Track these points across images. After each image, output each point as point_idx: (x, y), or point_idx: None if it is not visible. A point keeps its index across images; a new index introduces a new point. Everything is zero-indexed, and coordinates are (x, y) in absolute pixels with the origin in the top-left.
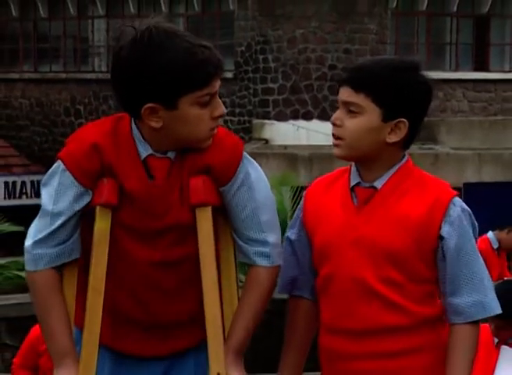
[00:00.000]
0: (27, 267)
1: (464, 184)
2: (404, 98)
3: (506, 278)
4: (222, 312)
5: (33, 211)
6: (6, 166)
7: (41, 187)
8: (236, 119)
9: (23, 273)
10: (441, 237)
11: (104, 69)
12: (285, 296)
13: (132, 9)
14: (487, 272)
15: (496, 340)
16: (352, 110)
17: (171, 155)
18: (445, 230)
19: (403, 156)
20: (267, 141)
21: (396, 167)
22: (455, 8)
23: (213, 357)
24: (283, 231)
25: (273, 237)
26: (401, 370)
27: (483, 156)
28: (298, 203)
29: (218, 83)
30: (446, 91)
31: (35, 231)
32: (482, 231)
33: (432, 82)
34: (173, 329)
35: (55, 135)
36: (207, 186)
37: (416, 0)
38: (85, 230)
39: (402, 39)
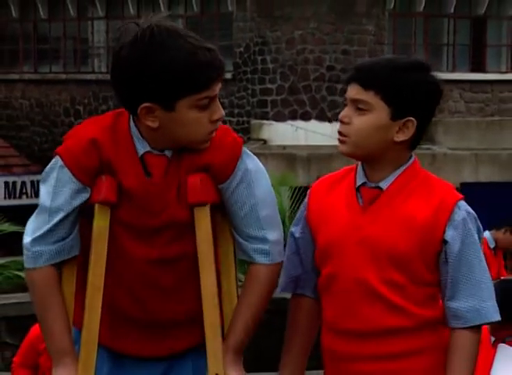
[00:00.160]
0: (26, 264)
1: (461, 184)
2: (414, 96)
3: (502, 277)
4: (222, 311)
5: (34, 211)
6: (6, 166)
7: (40, 183)
8: (234, 119)
9: (22, 273)
10: (445, 241)
11: (103, 70)
12: (285, 295)
13: (131, 10)
14: (489, 277)
15: (493, 338)
16: (360, 108)
17: (168, 153)
18: (449, 234)
19: (410, 157)
20: (265, 142)
21: (403, 168)
22: (452, 10)
23: (211, 357)
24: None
25: (273, 234)
26: (402, 372)
27: (480, 156)
28: (297, 203)
29: (218, 87)
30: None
31: (33, 228)
32: None
33: (441, 83)
34: (172, 328)
35: (55, 135)
36: (205, 184)
37: (413, 1)
38: (84, 227)
39: (400, 40)
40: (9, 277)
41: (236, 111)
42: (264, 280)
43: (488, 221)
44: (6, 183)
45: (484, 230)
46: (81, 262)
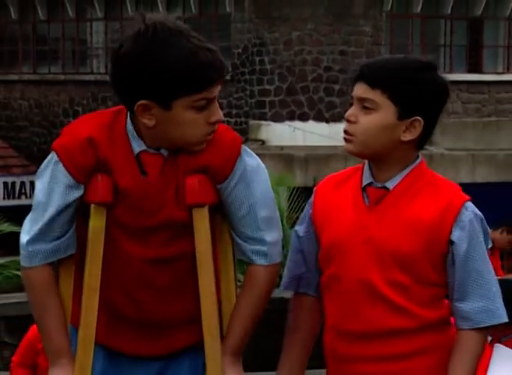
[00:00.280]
0: (23, 263)
1: (458, 185)
2: (421, 96)
3: (499, 277)
4: (221, 312)
5: None
6: (6, 167)
7: (36, 178)
8: (232, 120)
9: None
10: (451, 242)
11: (102, 70)
12: (283, 294)
13: (130, 11)
14: (495, 278)
15: (490, 338)
16: (367, 106)
17: (164, 152)
18: (455, 235)
19: (417, 157)
20: (263, 142)
21: (410, 168)
22: (449, 11)
23: (210, 358)
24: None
25: (271, 235)
26: (405, 372)
27: (477, 157)
28: (295, 203)
29: (217, 89)
30: None
31: (30, 225)
32: None
33: (449, 83)
34: (168, 328)
35: (54, 136)
36: (203, 185)
37: (410, 2)
38: (80, 227)
39: (397, 41)
40: (9, 277)
41: (234, 112)
42: (263, 281)
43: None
44: (5, 184)
45: None
46: (78, 261)
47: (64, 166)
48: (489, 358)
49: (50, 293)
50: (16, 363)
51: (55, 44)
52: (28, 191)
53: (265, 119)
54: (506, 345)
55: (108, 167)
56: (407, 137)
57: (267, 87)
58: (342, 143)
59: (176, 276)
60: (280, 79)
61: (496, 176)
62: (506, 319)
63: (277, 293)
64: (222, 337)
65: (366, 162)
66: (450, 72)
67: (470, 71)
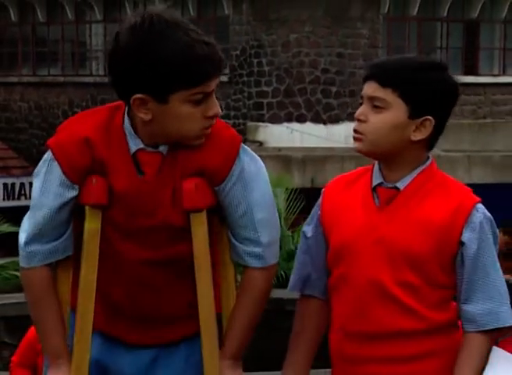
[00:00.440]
0: (21, 264)
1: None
2: (432, 95)
3: None
4: (220, 314)
5: None
6: (5, 168)
7: (33, 177)
8: (231, 121)
9: None
10: (461, 243)
11: (101, 72)
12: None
13: (129, 14)
14: (504, 281)
15: None
16: (377, 105)
17: (163, 149)
18: (466, 236)
19: (428, 158)
20: (261, 144)
21: (420, 168)
22: (445, 13)
23: (208, 362)
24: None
25: (267, 236)
26: (412, 374)
27: (473, 158)
28: (292, 204)
29: (215, 83)
30: None
31: (27, 225)
32: None
33: (459, 84)
34: (165, 322)
35: None
36: (200, 189)
37: (407, 5)
38: (77, 228)
39: (394, 43)
40: (8, 278)
41: (232, 113)
42: (259, 284)
43: None
44: (5, 185)
45: None
46: (76, 261)
47: (59, 164)
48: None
49: (48, 294)
50: (15, 363)
51: (54, 47)
52: (28, 192)
53: (263, 121)
54: (504, 345)
55: (104, 168)
56: (418, 136)
57: (265, 88)
58: (339, 144)
59: (173, 276)
60: (278, 81)
61: (492, 178)
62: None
63: (275, 294)
64: (221, 339)
65: (376, 162)
66: None
67: (466, 73)
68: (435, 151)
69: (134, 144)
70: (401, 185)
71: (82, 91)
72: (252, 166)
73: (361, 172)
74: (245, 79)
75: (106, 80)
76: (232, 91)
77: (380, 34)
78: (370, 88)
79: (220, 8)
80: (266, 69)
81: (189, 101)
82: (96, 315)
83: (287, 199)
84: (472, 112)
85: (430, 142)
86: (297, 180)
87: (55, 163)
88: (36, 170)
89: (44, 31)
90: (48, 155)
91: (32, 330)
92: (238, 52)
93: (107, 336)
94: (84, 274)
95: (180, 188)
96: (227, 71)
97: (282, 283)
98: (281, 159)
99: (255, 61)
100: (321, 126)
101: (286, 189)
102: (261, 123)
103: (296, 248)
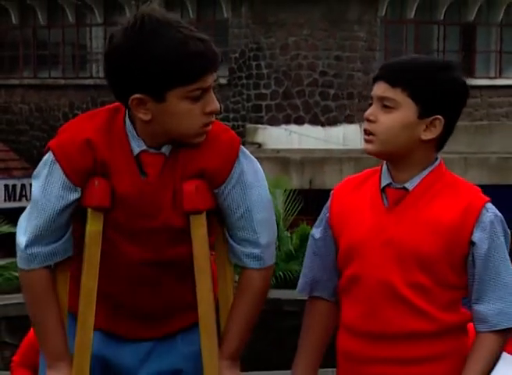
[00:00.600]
0: (21, 265)
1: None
2: (441, 95)
3: None
4: (218, 314)
5: None
6: (6, 170)
7: (32, 178)
8: (230, 124)
9: None
10: (472, 243)
11: (101, 75)
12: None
13: (129, 17)
14: None
15: None
16: (387, 105)
17: (165, 150)
18: (476, 236)
19: (436, 159)
20: (260, 145)
21: (429, 169)
22: (442, 16)
23: (207, 362)
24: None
25: (266, 238)
26: None
27: (469, 160)
28: (290, 206)
29: (211, 78)
30: None
31: (26, 226)
32: None
33: (468, 85)
34: (164, 317)
35: None
36: (201, 191)
37: (404, 8)
38: (78, 229)
39: (391, 46)
40: (9, 279)
41: (231, 115)
42: (257, 285)
43: None
44: (6, 186)
45: None
46: (75, 263)
47: (61, 166)
48: None
49: (48, 295)
50: (16, 363)
51: (55, 49)
52: (28, 194)
53: (262, 123)
54: (504, 346)
55: (106, 170)
56: (428, 136)
57: (263, 91)
58: (337, 146)
59: (172, 277)
60: (276, 83)
61: (488, 179)
62: None
63: (273, 294)
64: (219, 338)
65: (384, 163)
66: None
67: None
68: None
69: (137, 146)
70: (410, 186)
71: (82, 93)
72: (251, 168)
73: (370, 173)
74: (244, 81)
75: (106, 82)
76: (231, 93)
77: (378, 37)
78: (380, 89)
79: (219, 11)
80: (265, 71)
81: (187, 98)
82: (96, 314)
83: (285, 200)
84: (469, 114)
85: (440, 142)
86: (296, 182)
87: (57, 165)
88: (35, 172)
89: (45, 34)
90: (48, 156)
91: (33, 330)
92: (237, 55)
93: (106, 332)
94: (85, 281)
95: (181, 190)
96: (226, 73)
97: (280, 283)
98: (279, 161)
99: (254, 64)
100: (319, 128)
101: (285, 190)
102: (259, 125)
103: (294, 249)
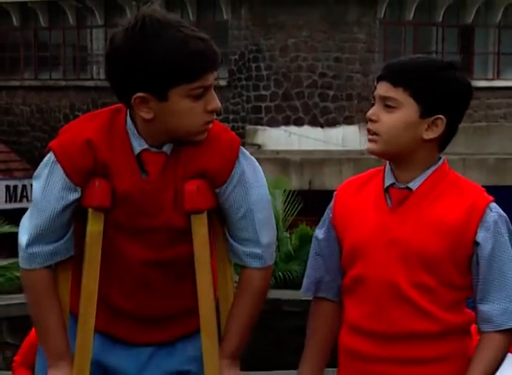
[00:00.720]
0: (22, 265)
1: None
2: (443, 94)
3: None
4: (218, 313)
5: None
6: (8, 171)
7: (33, 179)
8: (230, 125)
9: None
10: (476, 243)
11: (102, 76)
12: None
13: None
14: None
15: None
16: (389, 105)
17: (167, 149)
18: (480, 236)
19: (440, 158)
20: (260, 147)
21: (433, 169)
22: (440, 18)
23: (208, 363)
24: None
25: (267, 237)
26: None
27: (468, 161)
28: (290, 206)
29: (212, 77)
30: None
31: (28, 226)
32: None
33: (471, 85)
34: (165, 321)
35: None
36: (202, 191)
37: (403, 10)
38: (79, 229)
39: (390, 48)
40: (11, 279)
41: (231, 117)
42: (258, 284)
43: None
44: (7, 187)
45: None
46: (76, 263)
47: (62, 167)
48: None
49: (50, 295)
50: (18, 363)
51: (56, 51)
52: (29, 195)
53: (261, 124)
54: None
55: (107, 170)
56: (430, 135)
57: (263, 92)
58: (336, 147)
59: (173, 277)
60: (276, 85)
61: (487, 180)
62: None
63: (273, 294)
64: (220, 338)
65: (387, 163)
66: None
67: None
68: None
69: (138, 145)
70: (413, 185)
71: (83, 94)
72: (251, 168)
73: (373, 173)
74: (244, 83)
75: (107, 84)
76: (231, 94)
77: (377, 39)
78: (382, 88)
79: (219, 13)
80: (264, 73)
81: (188, 96)
82: (96, 316)
83: (285, 201)
84: (467, 116)
85: (442, 142)
86: (295, 183)
87: (58, 166)
88: (36, 172)
89: (46, 36)
90: (49, 157)
91: (34, 330)
92: (237, 57)
93: (106, 335)
94: (86, 283)
95: (182, 190)
96: (226, 75)
97: (280, 284)
98: (279, 162)
99: (254, 65)
100: (318, 130)
101: (284, 191)
102: (259, 127)
103: (294, 250)
